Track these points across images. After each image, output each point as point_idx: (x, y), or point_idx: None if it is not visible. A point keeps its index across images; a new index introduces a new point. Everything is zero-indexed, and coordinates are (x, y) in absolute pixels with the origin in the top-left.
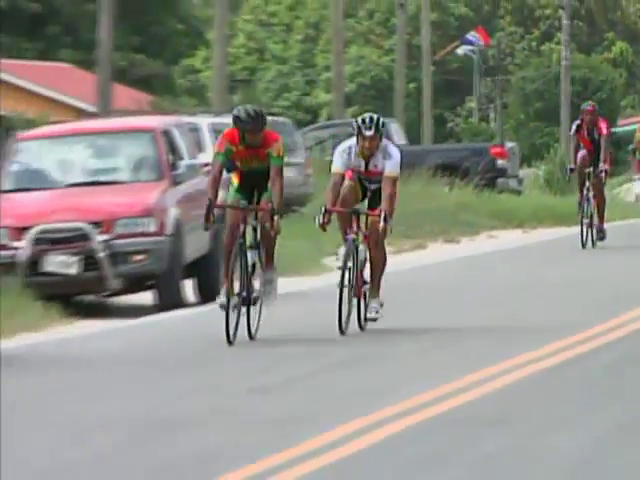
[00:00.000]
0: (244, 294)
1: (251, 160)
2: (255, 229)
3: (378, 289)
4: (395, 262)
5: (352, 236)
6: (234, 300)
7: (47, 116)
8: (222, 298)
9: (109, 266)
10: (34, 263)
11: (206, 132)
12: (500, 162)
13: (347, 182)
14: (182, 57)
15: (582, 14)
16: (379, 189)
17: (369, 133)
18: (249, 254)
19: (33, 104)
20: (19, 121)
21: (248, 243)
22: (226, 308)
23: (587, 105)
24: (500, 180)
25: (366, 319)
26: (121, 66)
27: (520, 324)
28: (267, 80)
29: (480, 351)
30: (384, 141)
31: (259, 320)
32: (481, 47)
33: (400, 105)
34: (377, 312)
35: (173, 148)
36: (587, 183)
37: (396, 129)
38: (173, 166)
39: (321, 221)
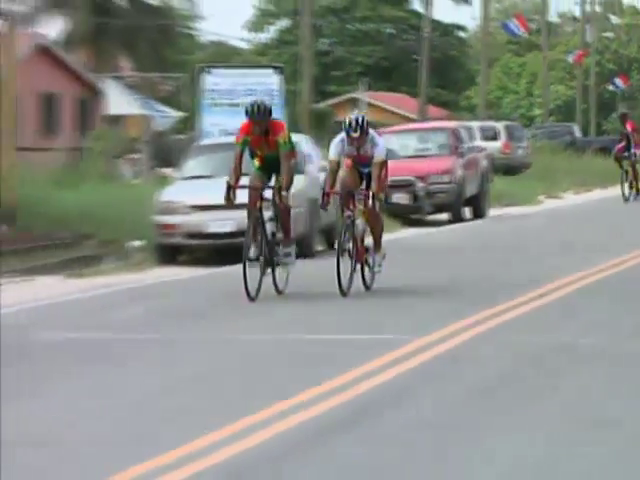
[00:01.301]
0: (262, 258)
1: (262, 147)
2: (275, 204)
3: (379, 246)
4: (573, 198)
5: (349, 213)
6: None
7: (392, 122)
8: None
9: (425, 200)
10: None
11: (476, 131)
12: None
13: (344, 171)
14: (464, 91)
15: None
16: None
17: (355, 135)
18: (268, 225)
19: (386, 116)
20: (378, 126)
21: (267, 216)
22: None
23: (620, 111)
24: None
25: (364, 281)
26: (431, 95)
27: (612, 239)
28: (507, 103)
29: (584, 257)
30: (370, 133)
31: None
32: (623, 86)
33: (579, 117)
34: (379, 266)
35: (459, 138)
36: (624, 163)
37: (576, 129)
38: (458, 147)
39: (321, 202)
